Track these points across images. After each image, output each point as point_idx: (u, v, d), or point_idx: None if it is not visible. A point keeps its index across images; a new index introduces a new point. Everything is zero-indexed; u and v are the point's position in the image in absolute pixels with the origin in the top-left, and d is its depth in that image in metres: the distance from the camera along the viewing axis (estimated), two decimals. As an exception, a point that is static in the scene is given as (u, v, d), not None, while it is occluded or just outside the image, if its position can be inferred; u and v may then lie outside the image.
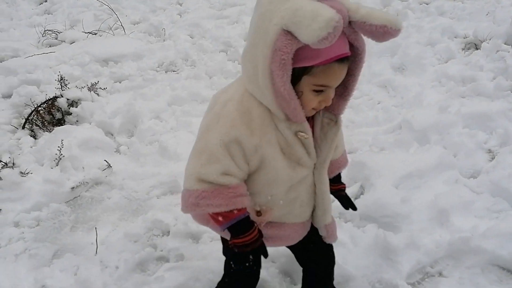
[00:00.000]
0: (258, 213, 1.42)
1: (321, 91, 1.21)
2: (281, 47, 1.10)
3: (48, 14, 6.80)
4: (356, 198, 2.47)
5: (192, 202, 1.29)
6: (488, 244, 2.02)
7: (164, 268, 2.09)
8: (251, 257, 1.44)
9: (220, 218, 1.32)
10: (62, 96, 3.38)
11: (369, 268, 2.06)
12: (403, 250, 2.08)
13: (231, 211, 1.30)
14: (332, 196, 1.58)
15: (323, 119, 1.37)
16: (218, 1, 6.37)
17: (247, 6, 5.74)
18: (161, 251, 2.24)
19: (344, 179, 1.74)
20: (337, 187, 1.67)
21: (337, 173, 1.64)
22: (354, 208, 1.69)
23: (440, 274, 2.03)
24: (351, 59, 1.24)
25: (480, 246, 2.01)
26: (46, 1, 7.01)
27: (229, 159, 1.27)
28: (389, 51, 3.96)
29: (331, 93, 1.24)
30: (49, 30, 5.54)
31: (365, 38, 1.21)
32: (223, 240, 1.60)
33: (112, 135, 3.30)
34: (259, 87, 1.21)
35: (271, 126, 1.27)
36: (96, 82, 3.85)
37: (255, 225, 1.37)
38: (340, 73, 1.21)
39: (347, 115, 3.13)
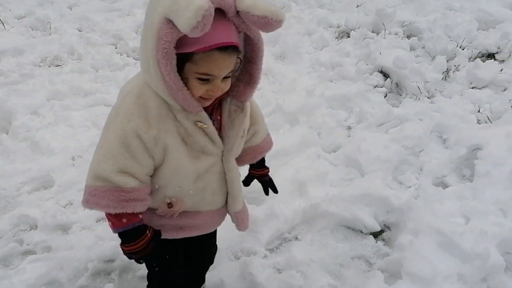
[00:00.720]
0: (169, 205, 1.38)
1: (207, 80, 1.19)
2: (162, 36, 1.09)
3: None
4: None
5: (85, 198, 1.27)
6: (334, 208, 2.26)
7: (28, 261, 2.08)
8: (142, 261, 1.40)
9: (110, 223, 1.31)
10: None
11: (233, 240, 2.21)
12: (264, 220, 2.26)
13: (120, 218, 1.28)
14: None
15: (230, 106, 1.34)
16: (108, -5, 6.24)
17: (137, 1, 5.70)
18: (28, 245, 2.22)
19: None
20: (261, 172, 1.68)
21: (260, 158, 1.63)
22: (275, 191, 1.72)
23: (296, 238, 2.24)
24: (246, 49, 1.25)
25: (327, 210, 2.25)
26: None
27: (126, 157, 1.23)
28: (271, 40, 4.18)
29: (218, 83, 1.21)
30: None
31: None
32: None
33: (-18, 134, 3.15)
34: (152, 78, 1.19)
35: (170, 117, 1.25)
36: (-32, 79, 3.63)
37: (147, 232, 1.34)
38: (222, 62, 1.17)
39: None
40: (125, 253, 1.36)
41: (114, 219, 1.28)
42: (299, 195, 2.44)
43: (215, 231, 1.71)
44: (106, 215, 1.30)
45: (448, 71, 3.58)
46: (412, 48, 3.98)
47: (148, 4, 1.18)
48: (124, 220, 1.28)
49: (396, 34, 4.10)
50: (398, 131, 2.80)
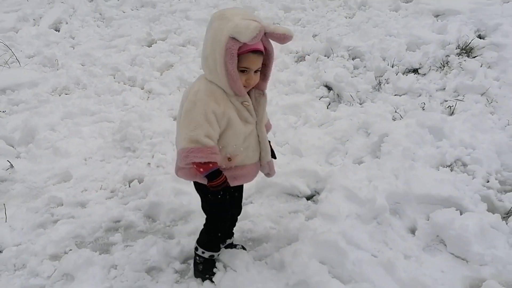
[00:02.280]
0: (229, 159, 2.10)
1: (245, 71, 1.96)
2: (229, 46, 1.86)
3: None
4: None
5: (184, 155, 1.95)
6: (278, 180, 3.16)
7: (59, 224, 2.96)
8: (221, 192, 2.06)
9: (201, 169, 1.99)
10: (-34, 118, 4.07)
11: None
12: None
13: (208, 164, 1.97)
14: None
15: (255, 93, 2.11)
16: (107, 33, 7.27)
17: (132, 36, 6.72)
18: (57, 216, 3.10)
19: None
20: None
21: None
22: (274, 157, 2.39)
23: (251, 202, 3.12)
24: (264, 56, 2.01)
25: (274, 182, 3.14)
26: None
27: (207, 126, 1.94)
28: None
29: (252, 74, 1.99)
30: None
31: (273, 43, 2.00)
32: (203, 191, 2.22)
33: (13, 146, 4.05)
34: (217, 75, 1.93)
35: (227, 100, 2.00)
36: (-5, 107, 4.57)
37: (223, 173, 2.04)
38: (254, 59, 1.96)
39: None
40: (212, 188, 2.04)
41: (204, 167, 1.99)
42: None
43: (242, 198, 2.53)
44: (196, 167, 1.99)
45: (380, 84, 4.56)
46: (355, 67, 4.97)
47: (212, 31, 1.93)
48: (210, 165, 1.99)
49: (342, 57, 5.10)
50: (330, 127, 3.74)
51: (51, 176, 3.59)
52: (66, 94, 5.23)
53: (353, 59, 5.12)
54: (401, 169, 3.09)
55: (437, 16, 5.99)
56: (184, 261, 2.61)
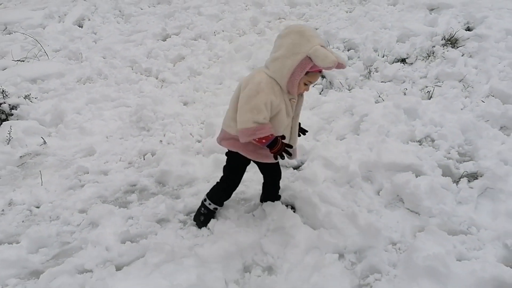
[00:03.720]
0: None
1: (307, 84, 2.45)
2: (305, 63, 2.29)
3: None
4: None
5: (251, 133, 2.42)
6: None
7: (85, 187, 3.58)
8: (283, 155, 2.56)
9: (264, 141, 2.47)
10: (5, 103, 4.74)
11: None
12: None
13: (267, 137, 2.45)
14: None
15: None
16: (127, 29, 7.92)
17: (149, 32, 7.35)
18: (84, 181, 3.72)
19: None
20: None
21: None
22: (305, 132, 2.94)
23: (247, 171, 3.67)
24: None
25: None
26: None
27: (265, 111, 2.39)
28: (246, 56, 5.73)
29: (310, 86, 2.51)
30: (-19, 60, 6.76)
31: None
32: (235, 158, 2.76)
33: (45, 127, 4.70)
34: (281, 76, 2.36)
35: (281, 95, 2.44)
36: (29, 94, 5.24)
37: (280, 140, 2.52)
38: (318, 78, 2.48)
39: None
40: (275, 153, 2.53)
41: (265, 139, 2.47)
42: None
43: (279, 167, 3.07)
44: (259, 140, 2.47)
45: (370, 72, 5.06)
46: (349, 58, 5.48)
47: (290, 42, 2.31)
48: (270, 136, 2.48)
49: (338, 48, 5.61)
50: (319, 109, 4.27)
51: (78, 150, 4.22)
52: (90, 83, 5.88)
53: (348, 50, 5.62)
54: (375, 143, 3.61)
55: (431, 9, 6.44)
56: (187, 214, 3.19)
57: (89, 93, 5.29)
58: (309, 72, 2.39)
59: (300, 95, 2.64)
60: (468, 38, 5.28)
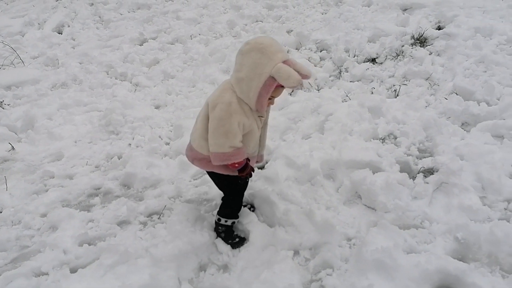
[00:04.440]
0: None
1: (271, 99, 2.44)
2: (269, 83, 2.26)
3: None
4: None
5: (226, 158, 2.43)
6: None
7: (50, 191, 3.59)
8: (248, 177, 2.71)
9: (237, 165, 2.52)
10: (-25, 110, 4.75)
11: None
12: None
13: (241, 162, 2.49)
14: None
15: None
16: (105, 34, 7.96)
17: (126, 37, 7.38)
18: (49, 186, 3.73)
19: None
20: None
21: None
22: None
23: (210, 173, 3.71)
24: None
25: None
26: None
27: (240, 133, 2.40)
28: (220, 59, 5.78)
29: (274, 100, 2.50)
30: (-42, 69, 6.76)
31: None
32: (219, 178, 2.75)
33: (15, 133, 4.71)
34: (248, 98, 2.34)
35: (251, 113, 2.42)
36: (2, 101, 5.25)
37: (249, 163, 2.59)
38: (281, 92, 2.44)
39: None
40: (242, 177, 2.63)
41: (239, 163, 2.51)
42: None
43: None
44: (231, 164, 2.51)
45: (341, 72, 5.12)
46: (322, 58, 5.54)
47: (251, 62, 2.28)
48: (244, 161, 2.53)
49: (310, 49, 5.67)
50: (286, 109, 4.32)
51: (46, 155, 4.24)
52: (63, 89, 5.90)
53: (320, 51, 5.69)
54: (337, 141, 3.66)
55: (404, 9, 6.52)
56: (148, 215, 3.22)
57: (61, 99, 5.31)
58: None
59: (267, 107, 2.66)
60: (438, 37, 5.35)
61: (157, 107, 5.07)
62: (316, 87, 4.86)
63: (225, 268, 2.70)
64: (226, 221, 2.83)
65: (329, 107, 4.17)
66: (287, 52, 2.48)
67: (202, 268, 2.71)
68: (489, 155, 3.26)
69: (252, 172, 2.70)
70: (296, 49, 5.80)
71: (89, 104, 5.20)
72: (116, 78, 6.04)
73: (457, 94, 4.17)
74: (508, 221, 2.74)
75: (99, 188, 3.64)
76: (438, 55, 5.04)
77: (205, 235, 2.78)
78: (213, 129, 2.41)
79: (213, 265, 2.72)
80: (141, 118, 4.57)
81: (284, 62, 2.28)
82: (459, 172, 3.06)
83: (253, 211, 3.12)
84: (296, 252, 2.77)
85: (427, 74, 4.67)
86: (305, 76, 2.32)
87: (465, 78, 4.38)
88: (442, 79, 4.58)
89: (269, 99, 2.43)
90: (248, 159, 2.62)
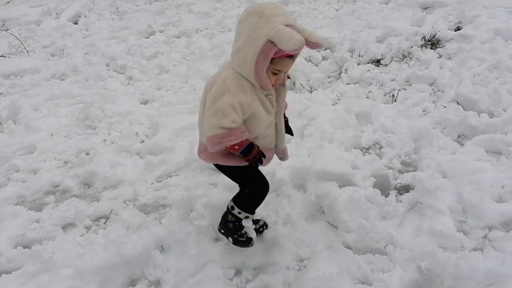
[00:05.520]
0: None
1: (277, 74, 2.07)
2: (267, 49, 1.92)
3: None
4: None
5: (218, 141, 2.07)
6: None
7: (10, 185, 3.49)
8: (259, 163, 2.22)
9: (236, 147, 2.12)
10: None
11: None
12: (158, 164, 3.56)
13: (240, 143, 2.10)
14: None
15: (277, 86, 2.20)
16: (118, 26, 7.92)
17: (134, 29, 7.30)
18: (12, 180, 3.63)
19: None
20: (285, 119, 2.49)
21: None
22: (291, 134, 2.61)
23: (177, 175, 3.50)
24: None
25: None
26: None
27: (234, 113, 2.03)
28: (217, 55, 5.56)
29: (282, 76, 2.13)
30: (-31, 56, 6.90)
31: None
32: (235, 169, 2.33)
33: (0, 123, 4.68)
34: (246, 69, 2.01)
35: (253, 91, 2.08)
36: (-5, 89, 5.27)
37: (255, 145, 2.19)
38: (289, 64, 2.08)
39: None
40: (249, 162, 2.20)
41: (238, 145, 2.12)
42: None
43: None
44: (230, 147, 2.12)
45: (341, 73, 4.79)
46: (325, 58, 5.22)
47: (249, 27, 1.97)
48: (243, 142, 2.13)
49: (313, 48, 5.36)
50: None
51: (20, 148, 4.15)
52: (62, 80, 5.86)
53: (324, 49, 5.36)
54: (314, 149, 3.36)
55: (425, 8, 6.10)
56: (95, 219, 3.03)
57: (51, 90, 5.25)
58: (275, 58, 2.01)
59: (282, 85, 2.25)
60: (452, 39, 4.94)
61: (144, 102, 4.91)
62: (309, 88, 4.55)
63: (157, 284, 2.47)
64: (239, 213, 2.45)
65: (313, 111, 3.87)
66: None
67: (133, 283, 2.50)
68: (477, 173, 2.88)
69: (262, 159, 2.24)
70: (299, 46, 5.49)
71: (77, 97, 5.10)
72: (114, 71, 5.94)
73: (458, 103, 3.77)
74: (482, 252, 2.37)
75: (58, 186, 3.50)
76: (449, 58, 4.63)
77: (139, 247, 2.55)
78: (206, 111, 2.13)
79: (145, 280, 2.50)
80: (121, 113, 4.42)
81: (287, 26, 1.94)
82: (435, 192, 2.71)
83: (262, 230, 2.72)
84: (238, 272, 2.51)
85: (431, 79, 4.28)
86: (315, 44, 2.00)
87: (472, 85, 3.96)
88: (448, 85, 4.18)
89: (275, 74, 2.08)
90: (252, 143, 2.20)
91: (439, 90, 4.15)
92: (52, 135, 4.32)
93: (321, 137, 3.49)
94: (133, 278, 2.52)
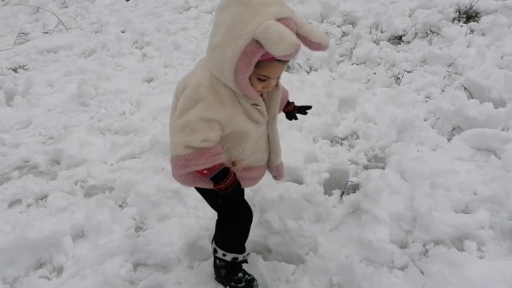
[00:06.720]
0: (233, 164, 1.78)
1: (264, 80, 1.58)
2: (249, 51, 1.45)
3: (36, 21, 8.61)
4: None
5: (182, 164, 1.61)
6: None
7: None
8: (232, 194, 1.71)
9: (205, 172, 1.65)
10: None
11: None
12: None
13: (212, 167, 1.63)
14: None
15: None
16: (162, 1, 7.96)
17: (171, 5, 7.28)
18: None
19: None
20: (291, 107, 2.20)
21: (285, 102, 2.14)
22: (309, 107, 2.25)
23: (140, 158, 3.40)
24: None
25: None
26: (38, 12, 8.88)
27: (207, 130, 1.59)
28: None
29: (272, 82, 1.63)
30: (22, 33, 7.40)
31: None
32: (209, 195, 1.93)
33: (12, 97, 4.92)
34: (224, 75, 1.55)
35: (236, 101, 1.63)
36: (25, 64, 5.59)
37: (231, 171, 1.71)
38: (279, 68, 1.58)
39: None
40: (220, 192, 1.70)
41: (208, 170, 1.65)
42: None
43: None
44: (198, 171, 1.66)
45: (352, 52, 4.31)
46: (345, 34, 4.75)
47: (229, 20, 1.50)
48: (215, 167, 1.66)
49: (333, 23, 4.89)
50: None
51: (18, 122, 4.33)
52: (89, 56, 6.03)
53: (349, 24, 4.87)
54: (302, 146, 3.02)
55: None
56: (40, 199, 3.04)
57: (67, 66, 5.41)
58: (261, 61, 1.53)
59: (275, 87, 1.75)
60: (496, 11, 4.18)
61: (149, 80, 4.87)
62: (309, 69, 4.15)
63: (59, 270, 2.39)
64: (224, 255, 2.03)
65: (293, 95, 3.48)
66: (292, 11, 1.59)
67: (40, 266, 2.44)
68: (444, 176, 2.38)
69: (238, 185, 1.74)
70: (319, 22, 5.05)
71: (89, 72, 5.19)
72: (137, 48, 5.98)
73: (465, 89, 3.17)
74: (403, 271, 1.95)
75: (28, 161, 3.58)
76: (483, 34, 3.93)
77: (46, 231, 2.47)
78: (173, 123, 1.67)
79: (50, 265, 2.43)
80: (113, 91, 4.40)
81: (281, 20, 1.48)
82: (377, 195, 2.28)
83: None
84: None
85: (450, 59, 3.67)
86: (317, 45, 1.55)
87: (494, 67, 3.31)
88: (469, 66, 3.55)
89: (262, 80, 1.60)
90: (227, 168, 1.73)
91: (456, 72, 3.53)
92: (49, 111, 4.44)
93: (289, 125, 3.14)
94: (41, 261, 2.47)
